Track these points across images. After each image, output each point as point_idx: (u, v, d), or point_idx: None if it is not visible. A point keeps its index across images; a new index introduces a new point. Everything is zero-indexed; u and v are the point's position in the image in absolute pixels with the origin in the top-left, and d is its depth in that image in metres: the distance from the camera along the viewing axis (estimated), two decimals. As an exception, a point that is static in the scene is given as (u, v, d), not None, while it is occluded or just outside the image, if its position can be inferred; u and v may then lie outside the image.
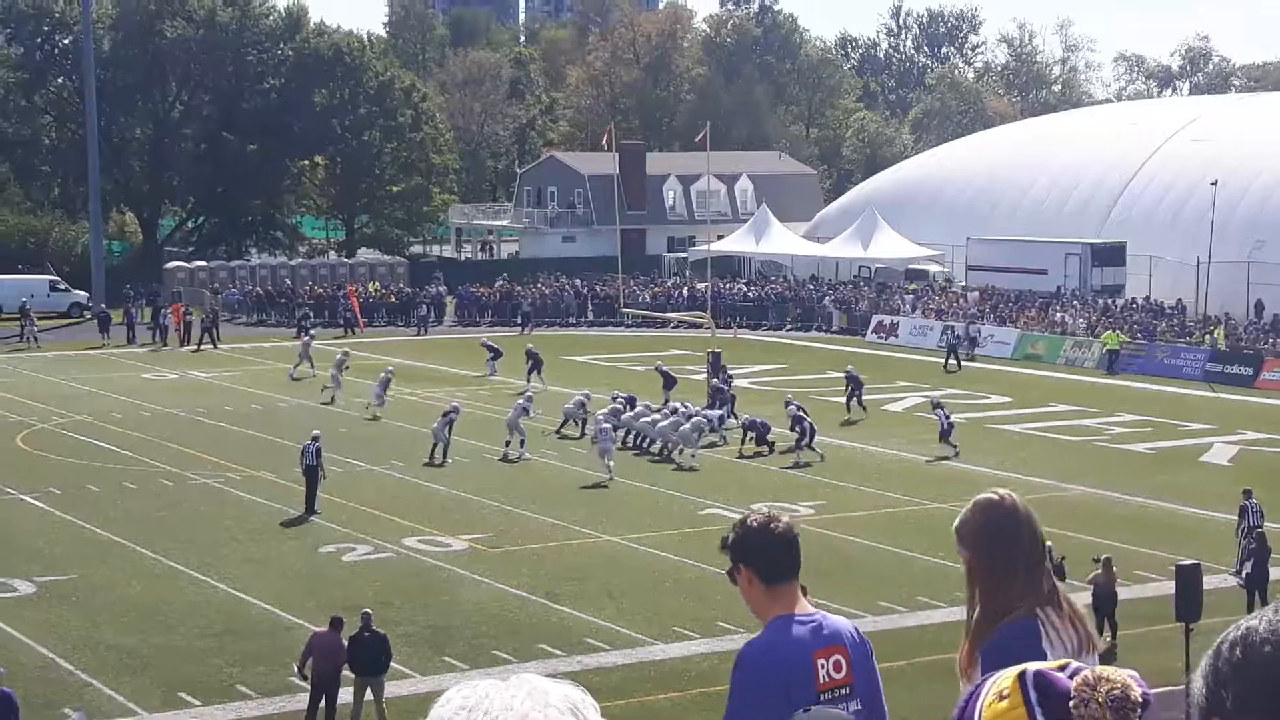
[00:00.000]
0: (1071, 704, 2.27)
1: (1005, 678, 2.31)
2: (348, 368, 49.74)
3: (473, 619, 26.45)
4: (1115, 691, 2.27)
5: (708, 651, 24.91)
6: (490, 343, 55.97)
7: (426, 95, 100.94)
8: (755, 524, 5.01)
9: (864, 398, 46.84)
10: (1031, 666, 2.31)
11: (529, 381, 50.82)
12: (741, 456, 40.57)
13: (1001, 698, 2.31)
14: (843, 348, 62.54)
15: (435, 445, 39.52)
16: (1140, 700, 2.28)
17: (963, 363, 57.68)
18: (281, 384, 53.07)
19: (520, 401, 41.82)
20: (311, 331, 59.91)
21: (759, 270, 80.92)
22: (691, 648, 25.16)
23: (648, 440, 41.04)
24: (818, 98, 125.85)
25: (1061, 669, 2.33)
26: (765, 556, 4.98)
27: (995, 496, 4.58)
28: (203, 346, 62.52)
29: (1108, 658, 24.80)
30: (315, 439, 34.45)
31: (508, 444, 40.28)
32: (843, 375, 48.15)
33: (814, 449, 39.66)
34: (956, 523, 4.60)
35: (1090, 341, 58.62)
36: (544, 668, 23.64)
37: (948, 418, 40.53)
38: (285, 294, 74.80)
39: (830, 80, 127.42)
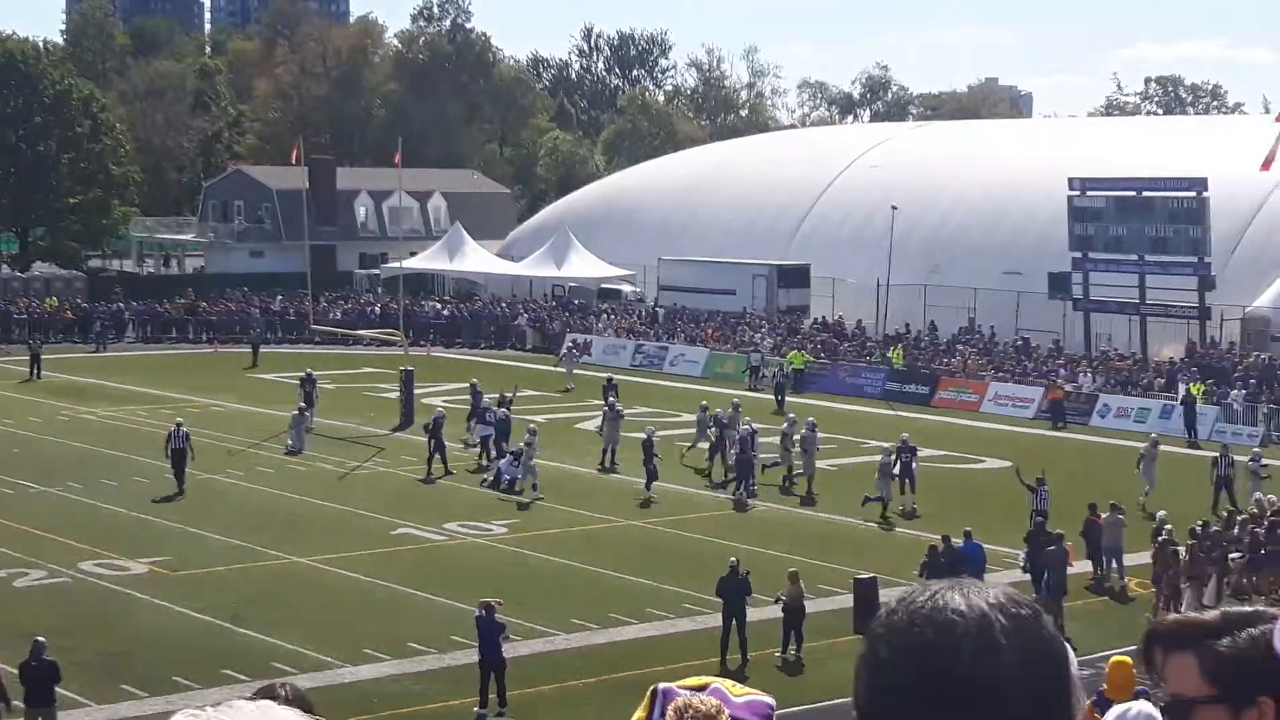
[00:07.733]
0: None
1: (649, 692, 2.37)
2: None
3: (153, 645, 25.55)
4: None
5: (398, 673, 24.56)
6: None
7: (106, 105, 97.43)
8: None
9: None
10: (665, 685, 2.36)
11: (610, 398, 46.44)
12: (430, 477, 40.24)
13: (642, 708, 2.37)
14: (536, 366, 62.63)
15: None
16: None
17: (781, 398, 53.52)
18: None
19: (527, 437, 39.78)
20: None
21: (454, 288, 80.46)
22: (382, 669, 24.76)
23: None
24: (511, 117, 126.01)
25: (701, 689, 2.36)
26: None
27: None
28: None
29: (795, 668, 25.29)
30: (180, 425, 38.13)
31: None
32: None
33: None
34: None
35: (777, 361, 59.88)
36: (228, 693, 22.76)
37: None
38: (-46, 309, 71.34)
39: (523, 100, 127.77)
